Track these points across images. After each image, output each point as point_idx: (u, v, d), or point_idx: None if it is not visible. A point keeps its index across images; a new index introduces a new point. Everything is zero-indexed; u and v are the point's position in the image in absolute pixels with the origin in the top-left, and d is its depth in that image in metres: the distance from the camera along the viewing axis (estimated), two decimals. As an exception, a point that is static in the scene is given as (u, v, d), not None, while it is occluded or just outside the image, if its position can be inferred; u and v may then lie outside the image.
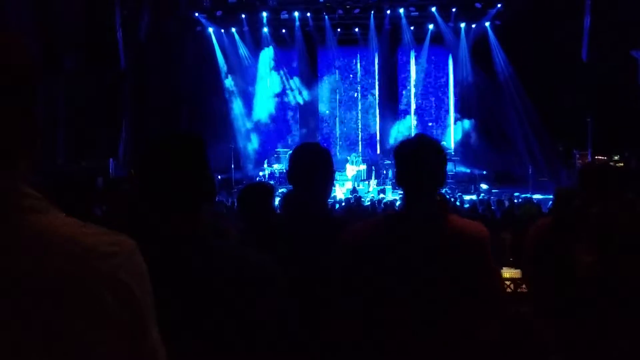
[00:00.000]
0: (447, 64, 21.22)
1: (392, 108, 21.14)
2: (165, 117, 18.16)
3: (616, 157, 15.31)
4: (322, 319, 2.09)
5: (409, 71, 21.37)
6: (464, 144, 20.02)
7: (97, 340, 0.84)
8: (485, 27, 19.92)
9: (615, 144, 15.75)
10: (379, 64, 21.18)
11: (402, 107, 21.39)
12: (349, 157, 18.93)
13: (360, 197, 15.45)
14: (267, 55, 20.98)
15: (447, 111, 21.33)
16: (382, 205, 13.39)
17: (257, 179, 18.24)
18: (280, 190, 15.35)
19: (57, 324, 0.82)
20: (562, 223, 3.31)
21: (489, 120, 19.39)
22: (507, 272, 5.58)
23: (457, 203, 13.64)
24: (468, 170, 19.05)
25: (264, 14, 20.18)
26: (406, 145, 2.29)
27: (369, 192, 17.87)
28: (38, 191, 0.89)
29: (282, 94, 21.23)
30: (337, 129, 21.58)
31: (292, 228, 2.38)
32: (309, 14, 20.20)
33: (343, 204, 14.09)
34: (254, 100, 20.98)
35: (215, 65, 20.61)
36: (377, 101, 21.47)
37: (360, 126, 21.62)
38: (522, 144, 18.45)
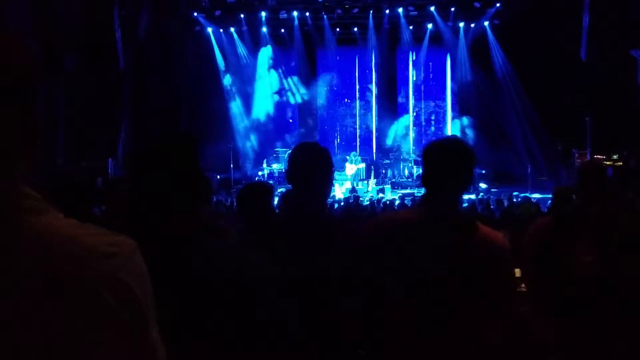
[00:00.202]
0: (445, 64, 21.22)
1: (390, 107, 21.14)
2: (165, 117, 18.16)
3: (615, 157, 15.33)
4: (329, 318, 2.08)
5: (407, 70, 21.37)
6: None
7: (98, 341, 0.84)
8: (484, 26, 19.92)
9: (615, 143, 15.77)
10: (377, 63, 21.17)
11: (400, 106, 21.39)
12: (348, 156, 18.94)
13: (358, 197, 15.45)
14: (265, 54, 20.97)
15: (446, 111, 21.34)
16: (382, 205, 13.38)
17: (256, 178, 18.25)
18: (279, 190, 15.36)
19: (57, 324, 0.82)
20: (561, 222, 3.31)
21: (488, 120, 19.40)
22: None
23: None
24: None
25: (263, 14, 20.18)
26: (434, 145, 2.30)
27: (368, 191, 17.87)
28: (38, 191, 0.89)
29: (280, 93, 21.24)
30: (336, 128, 21.58)
31: (291, 228, 2.37)
32: (307, 14, 20.20)
33: (342, 203, 14.08)
34: (253, 100, 20.98)
35: (214, 65, 20.62)
36: (375, 100, 21.47)
37: (359, 125, 21.63)
38: (521, 144, 18.47)
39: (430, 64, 21.29)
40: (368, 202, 14.48)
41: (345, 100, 21.79)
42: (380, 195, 16.86)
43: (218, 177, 18.84)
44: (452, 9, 19.78)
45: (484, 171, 18.70)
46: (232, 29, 20.60)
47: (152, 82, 18.50)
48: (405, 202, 14.32)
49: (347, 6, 19.92)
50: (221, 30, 20.54)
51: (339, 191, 16.73)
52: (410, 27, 20.42)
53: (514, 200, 13.98)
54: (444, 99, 21.45)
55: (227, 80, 20.87)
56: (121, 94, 17.47)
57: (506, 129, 18.93)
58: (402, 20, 20.18)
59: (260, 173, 19.18)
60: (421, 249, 2.11)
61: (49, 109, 14.48)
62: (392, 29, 20.57)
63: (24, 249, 0.83)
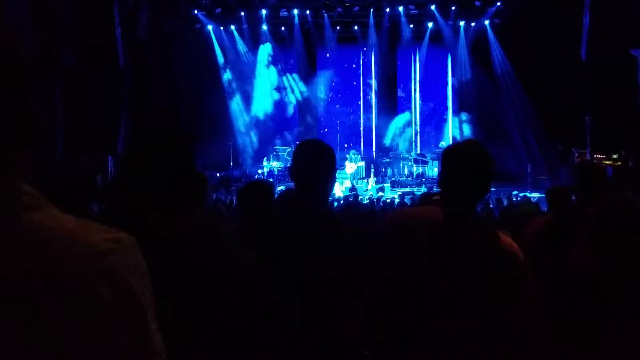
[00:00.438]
0: (446, 63, 21.20)
1: (390, 106, 21.14)
2: (164, 115, 18.16)
3: (615, 156, 15.33)
4: (335, 318, 2.07)
5: (407, 69, 21.36)
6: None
7: (97, 337, 0.84)
8: (485, 25, 19.92)
9: (614, 142, 15.76)
10: (377, 61, 21.16)
11: (400, 105, 21.38)
12: (347, 155, 18.94)
13: (358, 195, 15.45)
14: (265, 51, 20.96)
15: (446, 109, 21.33)
16: (381, 204, 13.38)
17: (256, 176, 18.26)
18: (279, 188, 15.36)
19: (57, 322, 0.81)
20: (560, 222, 3.32)
21: (488, 119, 19.40)
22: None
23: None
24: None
25: (263, 12, 20.16)
26: (452, 149, 2.29)
27: (367, 190, 17.87)
28: (36, 189, 0.89)
29: (280, 91, 21.22)
30: (336, 126, 21.58)
31: (292, 227, 2.37)
32: (308, 12, 20.19)
33: (342, 201, 14.08)
34: (253, 98, 20.97)
35: (214, 63, 20.60)
36: (375, 99, 21.47)
37: (361, 124, 21.62)
38: (520, 143, 18.46)
39: (431, 63, 21.27)
40: (368, 201, 14.48)
41: (345, 98, 21.77)
42: (380, 194, 16.85)
43: (218, 174, 18.84)
44: (453, 8, 19.76)
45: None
46: (232, 27, 20.59)
47: (151, 80, 18.49)
48: (405, 200, 14.33)
49: (347, 4, 19.90)
50: (221, 28, 20.53)
51: (339, 189, 16.72)
52: (411, 26, 20.41)
53: (514, 199, 13.97)
54: (444, 98, 21.43)
55: (226, 77, 20.86)
56: (121, 92, 17.45)
57: (506, 128, 18.92)
58: (403, 18, 20.17)
59: (260, 171, 19.18)
60: (441, 253, 2.11)
61: (48, 106, 14.46)
62: (393, 27, 20.56)
63: (20, 246, 0.83)
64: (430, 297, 2.09)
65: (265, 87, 21.08)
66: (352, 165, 18.61)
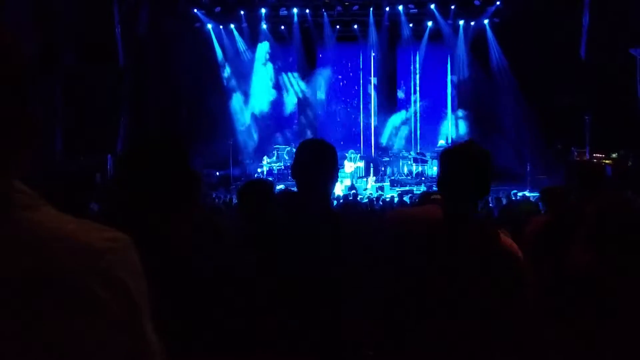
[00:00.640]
0: (445, 62, 21.20)
1: (390, 105, 21.14)
2: (164, 114, 18.16)
3: (614, 155, 15.33)
4: (337, 318, 2.07)
5: (407, 68, 21.35)
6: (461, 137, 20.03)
7: (96, 337, 0.83)
8: (484, 24, 19.92)
9: (614, 141, 15.77)
10: (377, 60, 21.15)
11: (400, 103, 21.37)
12: (347, 154, 18.94)
13: (357, 194, 15.46)
14: (263, 49, 20.94)
15: (445, 108, 21.33)
16: (380, 203, 13.38)
17: (256, 175, 18.26)
18: (278, 187, 15.36)
19: (56, 322, 0.81)
20: (558, 222, 3.32)
21: (487, 118, 19.40)
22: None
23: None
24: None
25: (263, 11, 20.15)
26: (450, 150, 2.29)
27: (367, 189, 17.88)
28: (36, 188, 0.89)
29: (280, 90, 21.20)
30: (335, 125, 21.57)
31: (292, 226, 2.37)
32: (307, 11, 20.18)
33: (341, 200, 14.08)
34: (252, 97, 20.95)
35: (214, 61, 20.60)
36: (374, 98, 21.46)
37: (360, 122, 21.60)
38: (520, 142, 18.46)
39: (430, 62, 21.26)
40: (367, 200, 14.48)
41: (345, 97, 21.76)
42: (379, 192, 16.86)
43: (217, 173, 18.85)
44: (452, 7, 19.77)
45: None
46: (232, 26, 20.58)
47: (151, 79, 18.48)
48: (404, 199, 14.33)
49: (347, 3, 19.90)
50: (221, 26, 20.53)
51: (338, 188, 16.73)
52: (410, 25, 20.41)
53: (513, 198, 13.97)
54: (443, 97, 21.43)
55: (226, 76, 20.84)
56: (120, 91, 17.44)
57: (505, 127, 18.92)
58: (403, 17, 20.17)
59: (259, 170, 19.17)
60: (430, 249, 2.11)
61: (48, 105, 14.46)
62: (392, 26, 20.56)
63: (20, 246, 0.82)
64: (430, 297, 2.09)
65: (265, 86, 21.07)
66: (351, 164, 18.61)
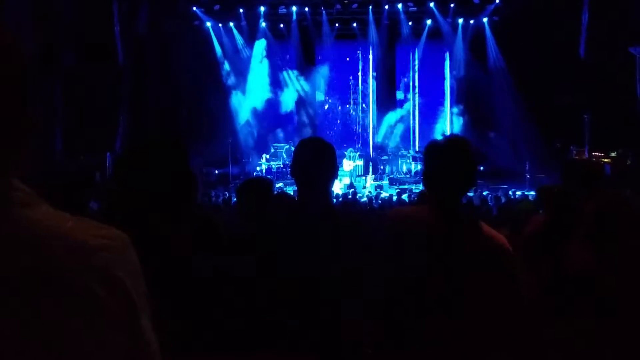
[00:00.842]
0: (444, 60, 21.19)
1: (389, 103, 21.13)
2: (163, 112, 18.14)
3: (613, 154, 15.34)
4: (337, 317, 2.07)
5: (406, 66, 21.34)
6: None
7: (95, 335, 0.83)
8: (483, 23, 19.92)
9: (613, 140, 15.77)
10: (376, 58, 21.14)
11: (399, 102, 21.35)
12: (346, 152, 18.94)
13: (356, 193, 15.47)
14: (261, 47, 20.94)
15: (443, 106, 21.33)
16: (379, 201, 13.38)
17: (255, 173, 18.26)
18: (277, 185, 15.37)
19: (55, 320, 0.81)
20: (557, 221, 3.32)
21: (487, 116, 19.42)
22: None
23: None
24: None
25: (262, 9, 20.14)
26: (434, 146, 2.28)
27: (365, 187, 17.88)
28: (35, 187, 0.89)
29: (278, 88, 21.19)
30: (334, 124, 21.57)
31: (292, 224, 2.36)
32: (307, 9, 20.16)
33: (340, 199, 14.09)
34: (251, 95, 20.94)
35: (213, 60, 20.58)
36: (373, 96, 21.46)
37: (357, 121, 21.59)
38: (519, 140, 18.46)
39: (429, 60, 21.25)
40: (366, 199, 14.49)
41: (344, 95, 21.75)
42: (378, 191, 16.86)
43: (216, 172, 18.85)
44: (452, 6, 19.76)
45: (482, 168, 18.73)
46: (231, 24, 20.57)
47: (151, 77, 18.46)
48: (403, 198, 14.33)
49: (346, 2, 19.89)
50: (220, 25, 20.51)
51: (337, 187, 16.73)
52: (410, 23, 20.40)
53: (512, 197, 13.98)
54: (442, 96, 21.42)
55: (225, 75, 20.83)
56: (120, 90, 17.44)
57: (504, 126, 18.93)
58: (402, 16, 20.16)
59: (258, 168, 19.17)
60: (429, 248, 2.11)
61: (48, 104, 14.45)
62: (391, 24, 20.55)
63: (18, 244, 0.82)
64: (429, 295, 2.09)
65: (264, 84, 21.07)
66: (350, 163, 18.61)
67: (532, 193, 14.77)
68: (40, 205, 0.89)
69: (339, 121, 21.59)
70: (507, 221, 8.18)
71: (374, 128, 21.24)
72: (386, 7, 20.00)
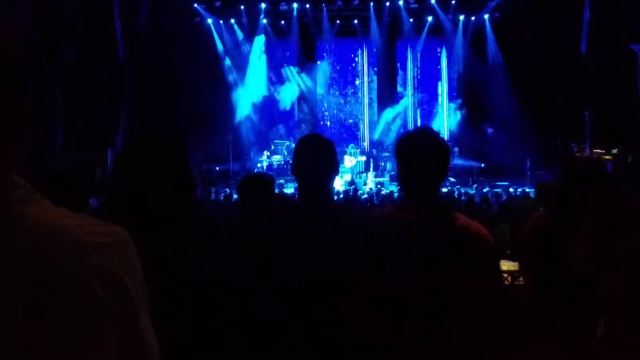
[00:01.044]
0: (446, 56, 21.16)
1: (389, 99, 21.12)
2: (164, 109, 18.12)
3: (614, 151, 15.33)
4: (338, 318, 2.05)
5: (406, 63, 21.31)
6: (461, 134, 20.03)
7: (91, 332, 0.83)
8: (484, 19, 19.90)
9: (614, 137, 15.76)
10: (377, 55, 21.12)
11: (399, 99, 21.32)
12: (347, 149, 18.94)
13: (357, 190, 15.47)
14: (261, 43, 20.92)
15: (444, 103, 21.31)
16: (380, 198, 13.39)
17: (256, 170, 18.27)
18: (279, 181, 15.39)
19: (51, 318, 0.81)
20: (557, 219, 3.32)
21: (487, 113, 19.41)
22: (505, 265, 5.61)
23: (455, 195, 13.67)
24: (466, 163, 19.04)
25: (263, 5, 20.12)
26: (405, 139, 2.26)
27: (366, 184, 17.89)
28: (35, 183, 0.89)
29: (279, 85, 21.18)
30: (335, 121, 21.55)
31: (293, 222, 2.36)
32: (307, 6, 20.14)
33: (341, 195, 14.10)
34: (252, 91, 20.93)
35: (214, 56, 20.57)
36: (375, 93, 21.44)
37: (358, 118, 21.57)
38: (519, 137, 18.44)
39: (430, 56, 21.23)
40: (367, 195, 14.50)
41: (344, 91, 21.73)
42: (379, 187, 16.86)
43: (217, 168, 18.86)
44: (453, 2, 19.73)
45: (482, 165, 18.72)
46: (232, 21, 20.56)
47: (151, 73, 18.45)
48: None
49: (347, -2, 19.90)
50: (221, 21, 20.50)
51: (338, 183, 16.74)
52: (411, 20, 20.38)
53: (512, 194, 13.99)
54: (442, 92, 21.39)
55: (226, 71, 20.82)
56: (120, 87, 17.43)
57: (505, 122, 18.91)
58: (403, 12, 20.13)
59: (259, 165, 19.18)
60: (408, 246, 2.08)
61: (48, 100, 14.45)
62: (392, 21, 20.52)
63: (12, 240, 0.82)
64: (408, 296, 2.06)
65: (265, 81, 21.06)
66: (351, 159, 18.61)
67: (533, 190, 14.78)
68: (40, 203, 0.88)
69: (340, 118, 21.56)
70: (508, 218, 8.20)
71: (372, 125, 21.20)
72: (387, 3, 19.97)
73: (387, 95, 21.16)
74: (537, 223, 3.66)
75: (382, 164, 19.46)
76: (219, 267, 1.44)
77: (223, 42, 20.65)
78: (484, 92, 19.47)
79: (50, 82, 14.69)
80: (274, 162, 18.98)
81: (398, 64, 21.34)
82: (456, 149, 18.85)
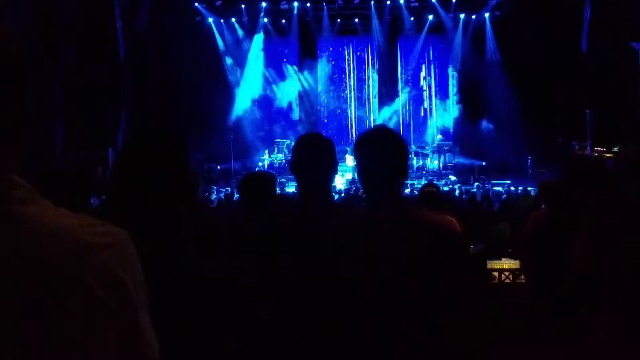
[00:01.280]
0: (447, 55, 21.14)
1: (390, 98, 21.11)
2: (165, 108, 18.13)
3: (615, 149, 15.31)
4: (338, 318, 2.04)
5: (407, 62, 21.30)
6: (462, 133, 20.03)
7: (91, 332, 0.83)
8: (485, 17, 19.90)
9: (615, 135, 15.74)
10: (378, 54, 21.12)
11: (398, 97, 21.30)
12: (348, 148, 18.93)
13: (359, 188, 15.45)
14: (259, 42, 20.92)
15: (444, 101, 21.30)
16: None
17: (257, 169, 18.27)
18: (280, 180, 15.38)
19: (51, 318, 0.81)
20: (558, 217, 3.32)
21: (487, 111, 19.40)
22: (506, 263, 5.61)
23: (457, 194, 13.67)
24: (467, 162, 19.04)
25: (263, 4, 20.12)
26: (363, 138, 2.22)
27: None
28: (35, 183, 0.89)
29: (279, 83, 21.17)
30: (336, 119, 21.55)
31: (293, 221, 2.36)
32: (308, 4, 20.14)
33: (342, 194, 14.10)
34: (252, 90, 20.93)
35: (214, 56, 20.57)
36: (375, 91, 21.44)
37: (359, 117, 21.56)
38: (520, 136, 18.42)
39: (431, 55, 21.22)
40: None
41: (345, 90, 21.72)
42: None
43: (218, 167, 18.87)
44: (453, 0, 19.73)
45: (484, 163, 18.71)
46: (233, 19, 20.57)
47: (151, 73, 18.45)
48: (405, 192, 14.33)
49: (347, -4, 19.90)
50: (222, 20, 20.50)
51: (340, 182, 16.74)
52: (412, 18, 20.38)
53: (513, 192, 13.97)
54: (440, 90, 21.38)
55: (227, 70, 20.82)
56: (120, 85, 17.43)
57: (506, 120, 18.90)
58: (404, 11, 20.13)
59: (260, 163, 19.18)
60: (373, 247, 2.06)
61: (48, 100, 14.46)
62: (393, 20, 20.52)
63: (12, 240, 0.82)
64: (372, 299, 2.03)
65: (265, 80, 21.06)
66: (352, 158, 18.59)
67: (534, 188, 14.77)
68: (40, 203, 0.88)
69: (340, 116, 21.55)
70: (509, 216, 8.19)
71: (373, 123, 21.16)
72: (388, 2, 19.97)
73: (387, 94, 21.15)
74: (538, 221, 3.66)
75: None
76: (219, 267, 1.44)
77: (224, 42, 20.65)
78: (484, 90, 19.48)
79: (50, 82, 14.69)
80: (275, 161, 18.98)
81: (398, 62, 21.33)
82: (457, 148, 18.87)
